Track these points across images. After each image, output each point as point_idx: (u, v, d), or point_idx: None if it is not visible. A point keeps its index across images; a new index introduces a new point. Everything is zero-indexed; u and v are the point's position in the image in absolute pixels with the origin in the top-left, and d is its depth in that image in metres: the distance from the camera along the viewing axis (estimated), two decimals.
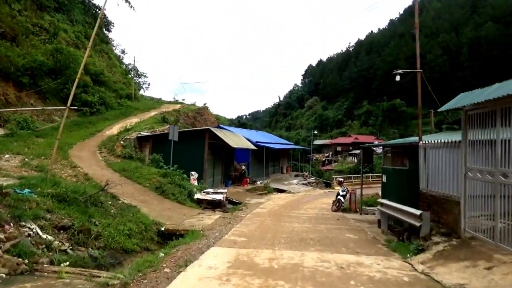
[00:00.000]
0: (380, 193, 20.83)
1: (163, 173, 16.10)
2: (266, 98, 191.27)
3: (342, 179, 19.51)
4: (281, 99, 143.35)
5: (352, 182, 32.24)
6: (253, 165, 30.02)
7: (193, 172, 19.39)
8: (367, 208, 17.62)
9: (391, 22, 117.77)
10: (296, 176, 35.76)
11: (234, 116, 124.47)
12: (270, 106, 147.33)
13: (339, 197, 17.42)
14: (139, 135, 20.85)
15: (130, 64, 58.35)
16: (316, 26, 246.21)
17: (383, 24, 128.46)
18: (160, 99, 51.54)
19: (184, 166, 18.90)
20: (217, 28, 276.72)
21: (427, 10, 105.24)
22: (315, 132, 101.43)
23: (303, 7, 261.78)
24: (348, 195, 17.93)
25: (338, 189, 24.20)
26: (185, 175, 18.15)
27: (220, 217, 12.86)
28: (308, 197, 23.21)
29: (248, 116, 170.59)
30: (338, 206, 17.15)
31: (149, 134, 20.98)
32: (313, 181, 33.52)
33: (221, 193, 15.76)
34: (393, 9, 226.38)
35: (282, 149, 35.95)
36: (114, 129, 24.44)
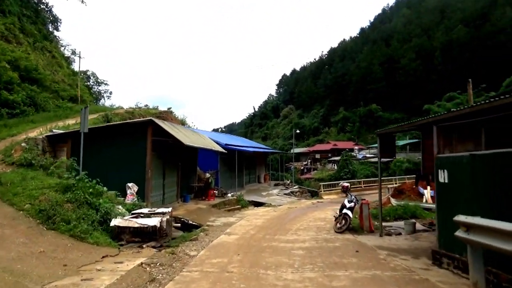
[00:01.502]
0: (410, 202, 14.96)
1: (65, 185, 9.55)
2: (241, 110, 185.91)
3: (348, 184, 13.56)
4: (256, 109, 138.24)
5: (360, 187, 26.48)
6: (223, 174, 23.73)
7: (130, 184, 12.93)
8: (386, 224, 11.75)
9: (362, 30, 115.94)
10: (276, 185, 29.76)
11: (209, 130, 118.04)
12: (245, 117, 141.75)
13: (345, 210, 11.41)
14: (51, 134, 14.23)
15: (88, 70, 51.40)
16: (289, 36, 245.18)
17: (355, 32, 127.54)
18: (120, 106, 44.68)
19: (116, 176, 12.47)
20: (189, 43, 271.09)
21: (398, 16, 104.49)
22: (291, 141, 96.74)
23: (276, 19, 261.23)
24: (356, 207, 11.97)
25: (329, 198, 18.46)
26: (116, 190, 11.74)
27: (141, 265, 6.51)
28: (294, 211, 17.08)
29: (223, 129, 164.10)
30: (345, 224, 11.14)
31: (65, 132, 14.33)
32: (297, 190, 27.57)
33: (160, 214, 9.35)
34: (363, 18, 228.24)
35: (258, 152, 29.92)
36: (35, 132, 17.72)
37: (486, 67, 67.46)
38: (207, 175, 18.51)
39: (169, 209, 10.20)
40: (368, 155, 65.12)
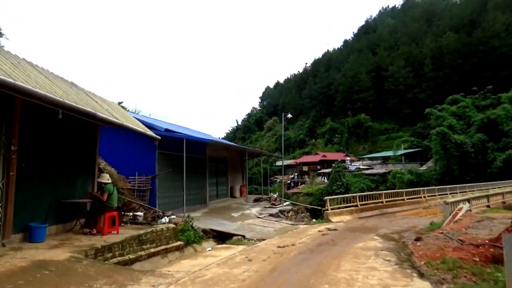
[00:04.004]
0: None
1: None
2: (223, 124, 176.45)
3: None
4: (239, 123, 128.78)
5: (381, 202, 16.64)
6: (165, 182, 13.70)
7: None
8: None
9: (346, 41, 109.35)
10: (256, 201, 19.50)
11: None
12: (228, 131, 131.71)
13: None
14: None
15: None
16: (271, 49, 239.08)
17: (338, 44, 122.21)
18: None
19: None
20: (173, 60, 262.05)
21: (382, 26, 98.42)
22: (275, 154, 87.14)
23: (257, 32, 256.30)
24: None
25: (342, 221, 11.64)
26: None
27: None
28: (294, 262, 7.18)
29: None
30: None
31: None
32: (289, 208, 17.44)
33: None
34: (346, 30, 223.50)
35: (228, 147, 19.95)
36: None
37: (479, 73, 60.88)
38: (105, 179, 8.30)
39: None
40: (362, 167, 55.97)
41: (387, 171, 49.52)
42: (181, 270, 6.39)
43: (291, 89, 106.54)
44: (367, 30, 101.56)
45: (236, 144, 14.78)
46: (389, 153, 54.72)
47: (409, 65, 73.49)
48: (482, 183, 26.09)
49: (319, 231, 11.54)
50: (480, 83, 54.13)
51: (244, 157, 21.16)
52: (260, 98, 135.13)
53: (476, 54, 63.83)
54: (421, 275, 5.68)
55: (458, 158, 34.62)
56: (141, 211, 10.49)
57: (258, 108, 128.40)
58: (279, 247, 8.61)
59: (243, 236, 10.56)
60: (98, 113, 6.69)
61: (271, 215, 14.83)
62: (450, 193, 22.21)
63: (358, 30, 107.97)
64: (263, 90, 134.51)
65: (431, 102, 54.54)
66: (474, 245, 7.06)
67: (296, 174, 66.02)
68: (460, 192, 23.07)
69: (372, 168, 54.51)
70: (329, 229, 11.79)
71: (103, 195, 8.07)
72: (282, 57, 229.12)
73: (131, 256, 7.48)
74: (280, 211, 15.88)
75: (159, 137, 10.59)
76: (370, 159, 61.57)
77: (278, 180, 62.42)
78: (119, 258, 7.10)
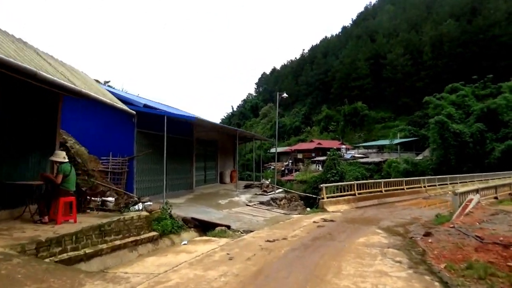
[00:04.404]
0: None
1: None
2: (219, 110, 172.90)
3: None
4: (235, 109, 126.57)
5: (380, 191, 15.44)
6: (150, 165, 12.32)
7: None
8: None
9: (344, 28, 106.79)
10: (247, 187, 18.22)
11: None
12: (224, 117, 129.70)
13: None
14: None
15: None
16: (269, 35, 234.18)
17: (336, 30, 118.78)
18: None
19: None
20: (170, 45, 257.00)
21: (382, 13, 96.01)
22: (271, 139, 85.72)
23: (254, 18, 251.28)
24: None
25: (339, 211, 11.60)
26: None
27: None
28: (284, 259, 5.98)
29: None
30: None
31: None
32: (282, 196, 16.13)
33: None
34: (345, 16, 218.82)
35: (218, 129, 18.49)
36: None
37: (478, 62, 59.46)
38: (60, 158, 6.86)
39: None
40: (357, 155, 54.93)
41: (382, 160, 48.52)
42: (141, 272, 5.07)
43: (287, 76, 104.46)
44: (366, 16, 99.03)
45: (226, 126, 13.28)
46: (385, 142, 53.69)
47: (408, 53, 71.84)
48: (483, 174, 25.12)
49: (314, 222, 10.30)
50: (480, 72, 52.79)
51: (236, 141, 19.78)
52: (256, 84, 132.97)
53: (476, 43, 62.36)
54: (445, 285, 4.42)
55: (456, 148, 33.67)
56: (112, 196, 9.12)
57: (254, 95, 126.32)
58: (268, 241, 7.33)
59: (228, 227, 9.27)
60: (40, 72, 5.20)
61: (261, 203, 13.56)
62: (450, 183, 21.17)
63: (357, 16, 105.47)
64: (260, 76, 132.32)
65: (429, 91, 53.30)
66: (503, 245, 5.82)
67: (290, 161, 64.86)
68: (460, 183, 22.05)
69: (367, 157, 53.52)
70: (325, 220, 10.56)
71: (57, 176, 6.67)
72: (279, 43, 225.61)
73: (88, 251, 6.14)
74: (272, 198, 14.60)
75: (134, 112, 9.15)
76: (366, 147, 60.54)
77: (272, 167, 61.35)
78: (71, 254, 5.77)
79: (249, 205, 12.95)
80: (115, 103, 8.12)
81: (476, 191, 11.62)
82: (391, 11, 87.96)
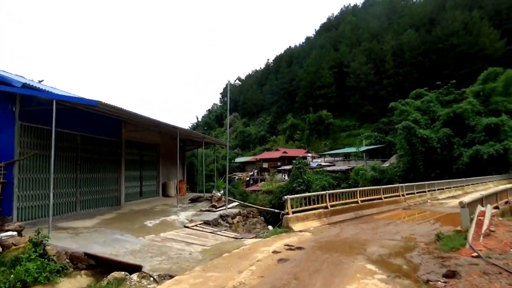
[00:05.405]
0: None
1: None
2: (183, 122, 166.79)
3: None
4: (199, 119, 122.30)
5: (357, 202, 12.40)
6: (41, 174, 8.47)
7: None
8: None
9: (308, 38, 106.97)
10: (193, 201, 14.12)
11: None
12: (188, 127, 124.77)
13: None
14: None
15: None
16: (233, 45, 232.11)
17: (300, 41, 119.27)
18: None
19: None
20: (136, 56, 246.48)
21: (344, 23, 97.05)
22: (235, 150, 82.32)
23: (218, 27, 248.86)
24: None
25: (308, 230, 9.14)
26: None
27: None
28: None
29: None
30: None
31: None
32: (235, 212, 12.01)
33: None
34: (308, 27, 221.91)
35: (160, 130, 14.43)
36: None
37: (438, 70, 60.44)
38: None
39: None
40: (323, 163, 52.87)
41: (349, 167, 46.77)
42: None
43: (252, 85, 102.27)
44: (329, 27, 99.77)
45: (162, 121, 9.90)
46: (351, 150, 52.22)
47: (370, 61, 72.18)
48: (458, 180, 23.29)
49: (274, 251, 6.95)
50: (440, 80, 53.25)
51: (184, 145, 16.12)
52: (221, 94, 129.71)
53: (435, 52, 63.54)
54: None
55: (424, 153, 32.28)
56: None
57: (219, 104, 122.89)
58: None
59: (138, 268, 5.72)
60: None
61: (206, 222, 10.02)
62: (428, 191, 18.88)
63: (320, 27, 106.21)
64: (224, 86, 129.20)
65: (392, 99, 52.69)
66: None
67: (256, 171, 61.73)
68: (438, 189, 19.88)
69: (334, 165, 51.67)
70: (290, 248, 7.26)
71: None
72: (244, 54, 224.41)
73: None
74: (221, 216, 11.07)
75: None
76: (332, 155, 58.88)
77: (237, 178, 57.78)
78: None
79: (187, 227, 9.39)
80: None
81: (481, 200, 8.93)
82: (353, 22, 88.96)
